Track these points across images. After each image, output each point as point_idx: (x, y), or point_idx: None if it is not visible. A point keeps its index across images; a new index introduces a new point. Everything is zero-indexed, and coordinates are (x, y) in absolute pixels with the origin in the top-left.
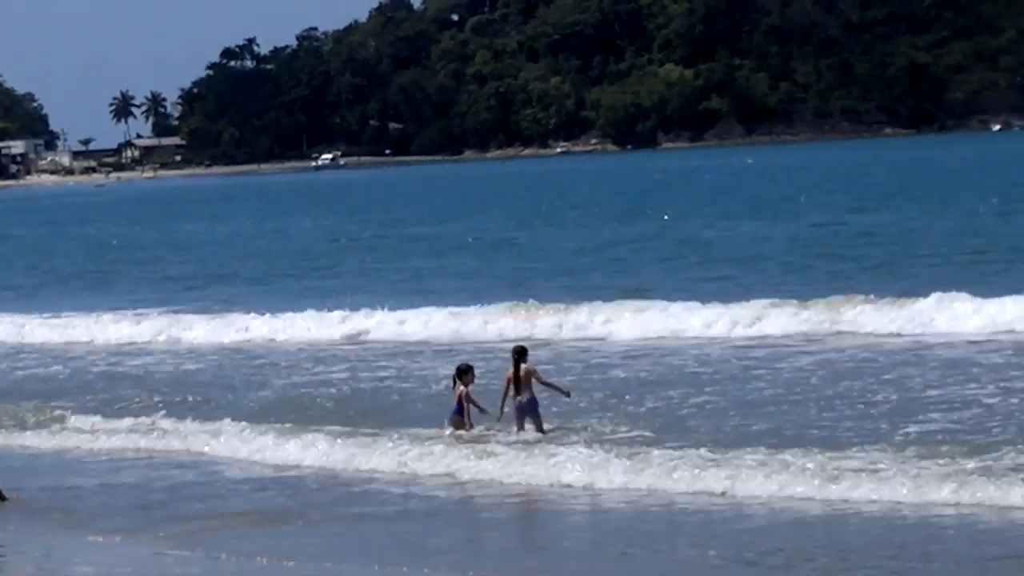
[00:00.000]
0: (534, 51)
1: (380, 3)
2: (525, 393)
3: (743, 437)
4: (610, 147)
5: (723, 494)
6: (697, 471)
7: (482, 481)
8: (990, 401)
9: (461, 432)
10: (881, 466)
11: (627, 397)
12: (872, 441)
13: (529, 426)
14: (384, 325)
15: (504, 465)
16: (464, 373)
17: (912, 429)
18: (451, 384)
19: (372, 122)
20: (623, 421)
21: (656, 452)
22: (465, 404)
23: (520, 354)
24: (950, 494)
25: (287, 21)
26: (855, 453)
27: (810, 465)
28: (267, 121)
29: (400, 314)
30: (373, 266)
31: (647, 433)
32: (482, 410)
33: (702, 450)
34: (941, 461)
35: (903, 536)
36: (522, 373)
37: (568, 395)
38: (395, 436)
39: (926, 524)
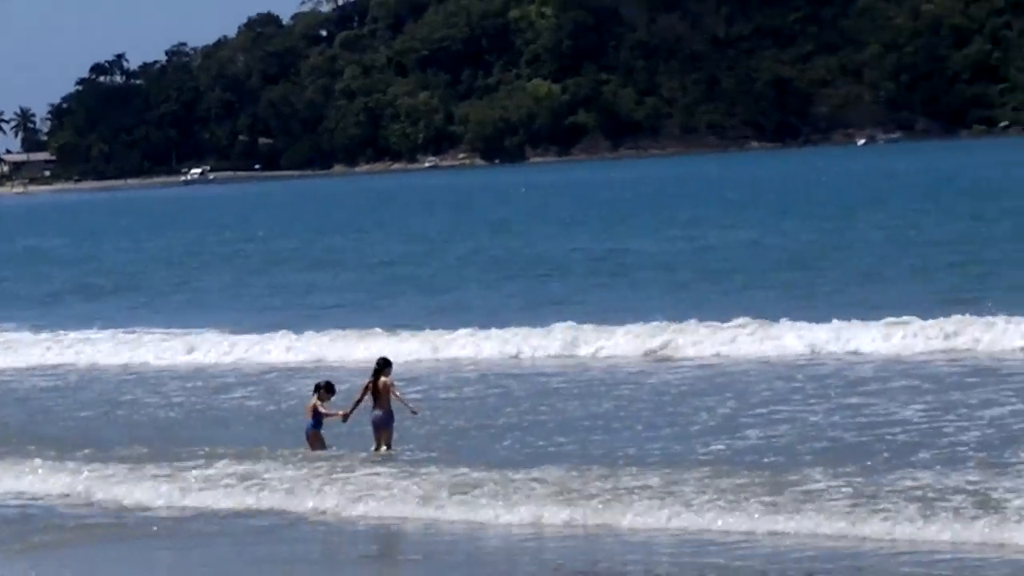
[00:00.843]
0: (403, 66)
1: (249, 19)
2: (382, 407)
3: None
4: (478, 161)
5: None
6: None
7: None
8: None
9: (319, 451)
10: None
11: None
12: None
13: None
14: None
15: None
16: (322, 388)
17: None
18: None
19: (242, 137)
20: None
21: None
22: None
23: (383, 365)
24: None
25: (156, 37)
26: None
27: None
28: (137, 136)
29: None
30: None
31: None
32: (335, 414)
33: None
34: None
35: None
36: (381, 385)
37: (415, 413)
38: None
39: None
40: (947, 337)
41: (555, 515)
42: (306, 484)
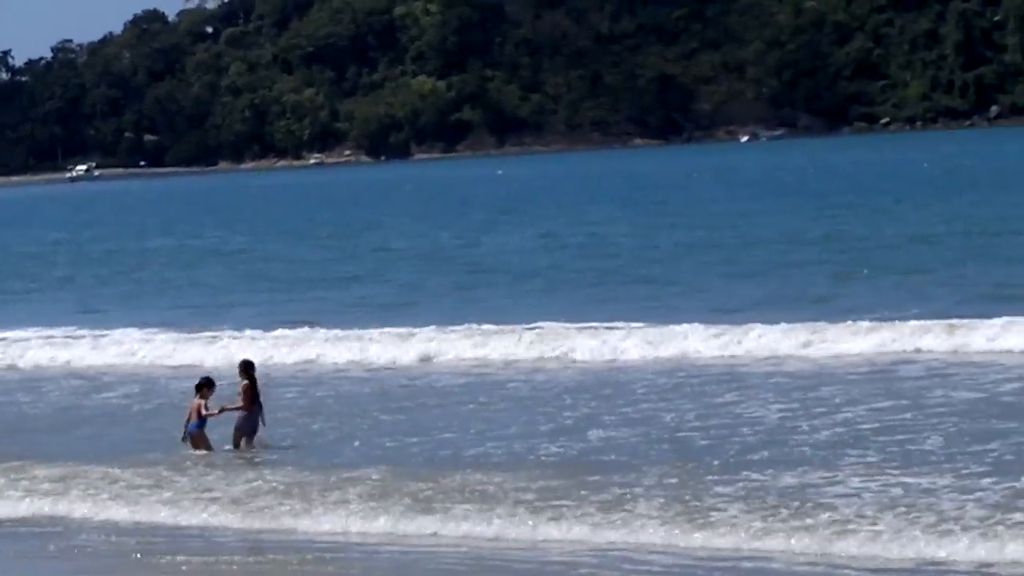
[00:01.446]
0: (288, 63)
1: (135, 16)
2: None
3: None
4: (364, 158)
5: None
6: None
7: None
8: None
9: (203, 451)
10: None
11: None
12: None
13: (243, 441)
14: None
15: None
16: (203, 387)
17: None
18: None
19: (127, 134)
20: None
21: None
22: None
23: (248, 367)
24: None
25: (42, 34)
26: None
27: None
28: (22, 133)
29: None
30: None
31: None
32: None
33: None
34: None
35: None
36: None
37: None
38: None
39: None
40: (808, 341)
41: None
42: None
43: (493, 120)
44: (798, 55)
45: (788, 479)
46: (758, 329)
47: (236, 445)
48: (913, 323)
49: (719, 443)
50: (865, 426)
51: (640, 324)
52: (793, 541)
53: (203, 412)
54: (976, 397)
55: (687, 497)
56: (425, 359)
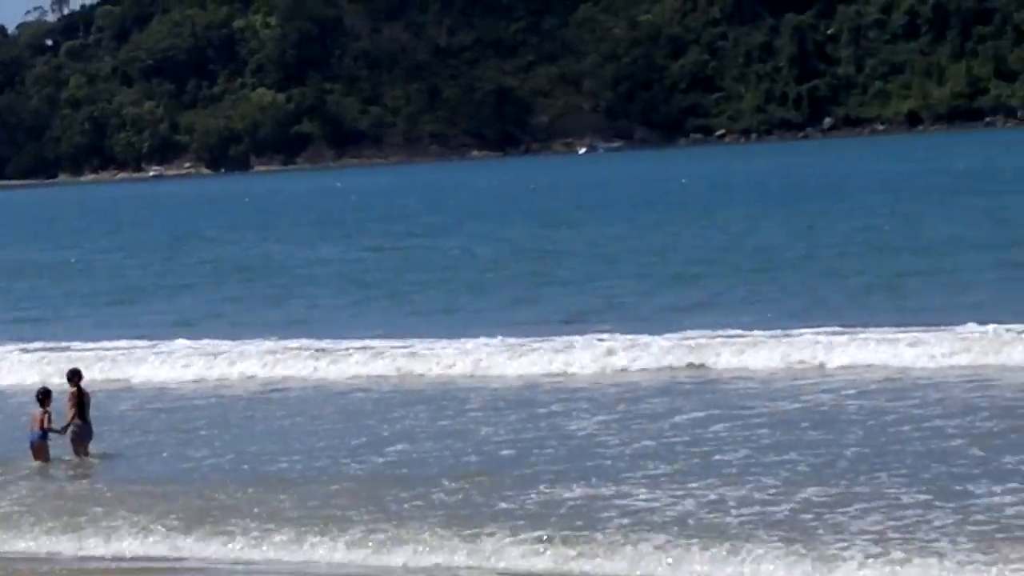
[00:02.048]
0: (128, 76)
1: None
2: (82, 417)
3: None
4: (204, 170)
5: None
6: None
7: None
8: None
9: (40, 462)
10: None
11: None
12: None
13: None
14: None
15: None
16: (45, 397)
17: None
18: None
19: None
20: None
21: None
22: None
23: (75, 375)
24: None
25: None
26: None
27: None
28: None
29: None
30: None
31: None
32: (59, 431)
33: None
34: None
35: None
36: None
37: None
38: None
39: None
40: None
41: None
42: None
43: (332, 132)
44: (634, 68)
45: (577, 492)
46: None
47: (77, 454)
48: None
49: (523, 457)
50: (676, 439)
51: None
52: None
53: (45, 425)
54: (793, 408)
55: (465, 512)
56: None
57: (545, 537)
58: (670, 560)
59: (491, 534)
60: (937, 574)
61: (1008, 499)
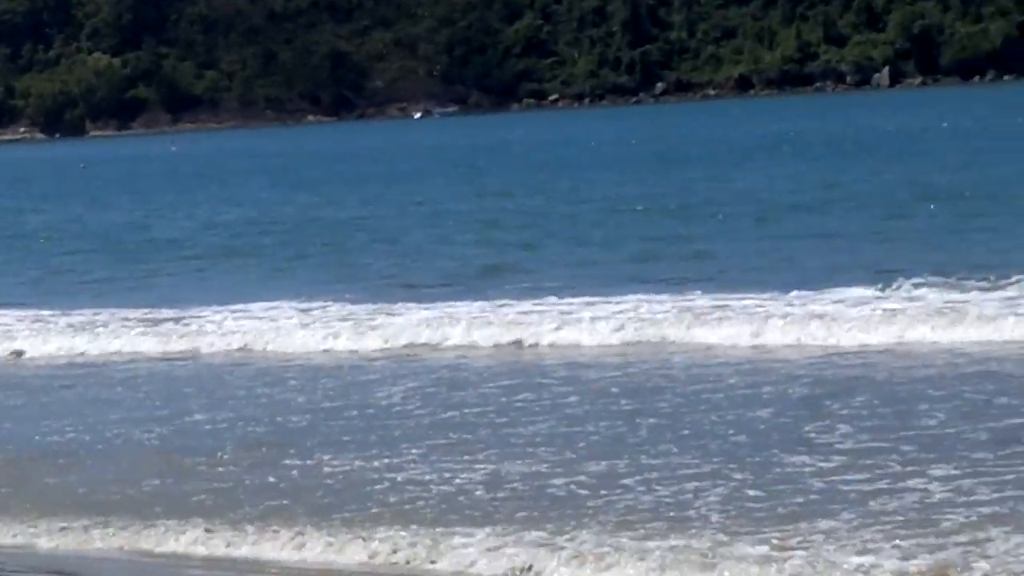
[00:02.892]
0: None
1: None
2: None
3: None
4: (39, 136)
5: None
6: None
7: None
8: None
9: None
10: None
11: None
12: None
13: None
14: None
15: None
16: None
17: None
18: None
19: None
20: None
21: None
22: None
23: None
24: None
25: None
26: None
27: None
28: None
29: None
30: None
31: None
32: None
33: None
34: None
35: None
36: None
37: None
38: None
39: None
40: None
41: None
42: None
43: (168, 97)
44: (469, 32)
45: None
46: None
47: None
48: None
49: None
50: (478, 409)
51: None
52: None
53: None
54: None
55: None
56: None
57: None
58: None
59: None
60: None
61: (806, 470)
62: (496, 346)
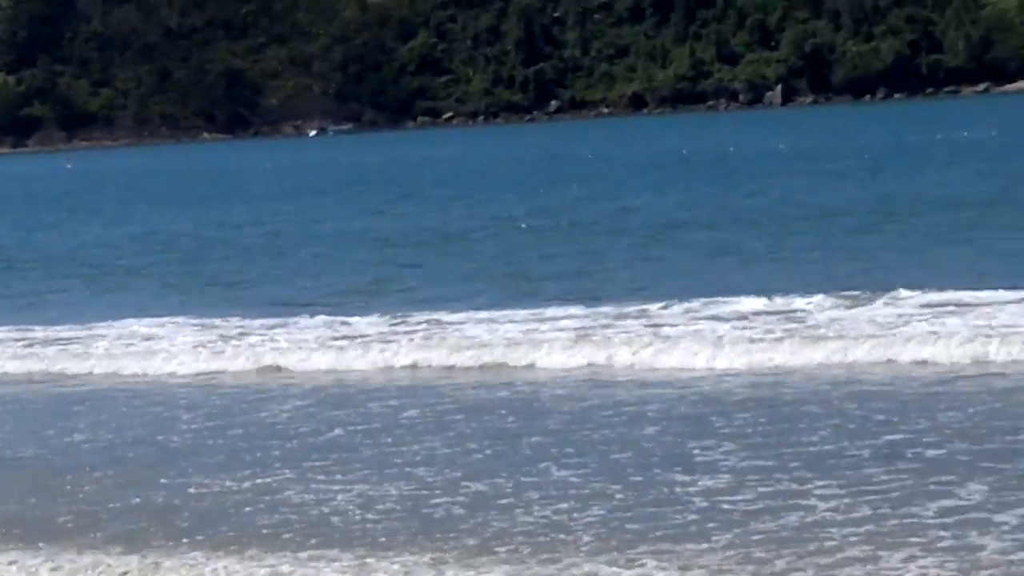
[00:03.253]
0: None
1: None
2: None
3: None
4: None
5: None
6: None
7: None
8: None
9: None
10: None
11: None
12: None
13: None
14: None
15: None
16: None
17: None
18: None
19: None
20: None
21: None
22: None
23: None
24: None
25: None
26: None
27: None
28: None
29: None
30: None
31: None
32: None
33: None
34: None
35: None
36: None
37: None
38: None
39: None
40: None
41: None
42: None
43: (63, 115)
44: (364, 50)
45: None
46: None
47: None
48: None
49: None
50: (365, 427)
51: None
52: None
53: None
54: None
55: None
56: None
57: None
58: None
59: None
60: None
61: (686, 490)
62: (377, 368)
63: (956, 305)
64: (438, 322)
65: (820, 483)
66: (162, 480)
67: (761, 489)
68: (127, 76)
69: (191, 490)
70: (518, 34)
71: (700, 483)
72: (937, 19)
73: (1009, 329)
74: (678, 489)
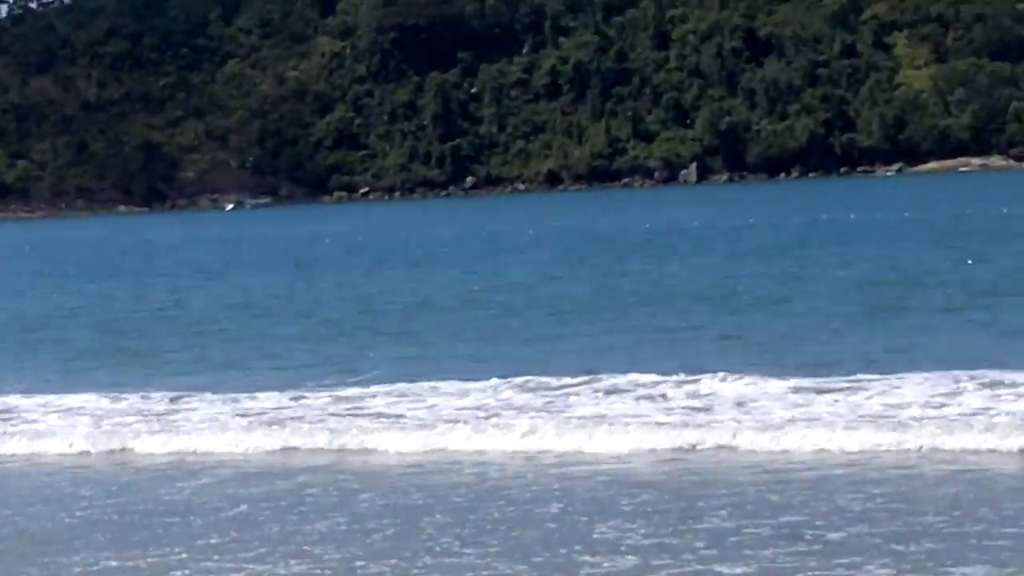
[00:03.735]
0: None
1: None
2: None
3: None
4: None
5: None
6: None
7: None
8: None
9: None
10: None
11: None
12: None
13: None
14: None
15: None
16: None
17: None
18: None
19: None
20: None
21: None
22: None
23: None
24: None
25: None
26: None
27: None
28: None
29: None
30: None
31: None
32: None
33: None
34: None
35: None
36: None
37: None
38: None
39: None
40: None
41: None
42: None
43: None
44: (281, 124)
45: None
46: None
47: None
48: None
49: None
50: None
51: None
52: None
53: None
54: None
55: None
56: None
57: None
58: None
59: None
60: None
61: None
62: (267, 452)
63: (817, 391)
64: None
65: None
66: (44, 559)
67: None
68: (44, 148)
69: (76, 569)
70: (435, 109)
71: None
72: (851, 98)
73: (894, 414)
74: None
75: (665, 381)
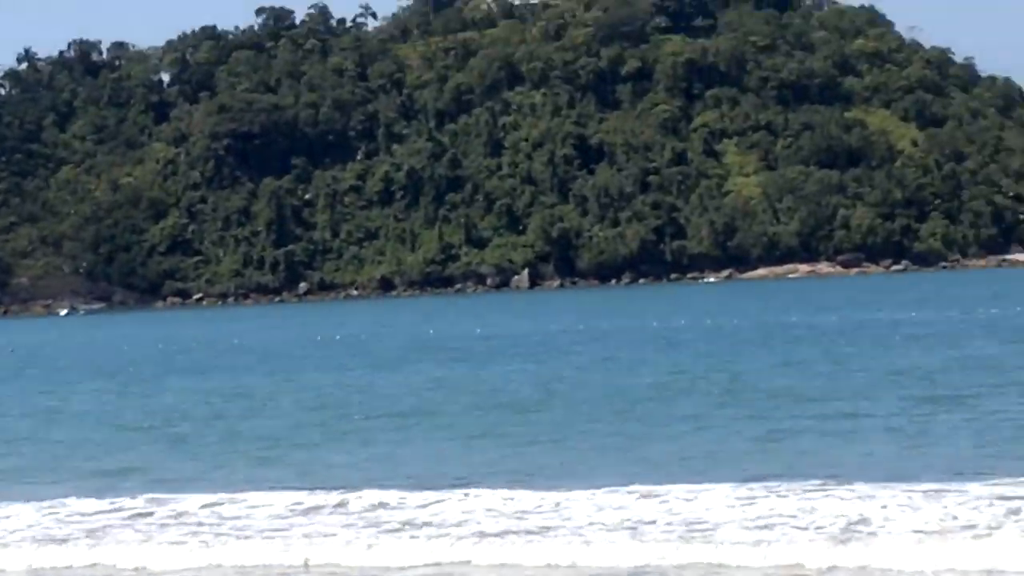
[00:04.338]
0: None
1: None
2: None
3: None
4: None
5: None
6: None
7: None
8: None
9: None
10: None
11: None
12: None
13: None
14: None
15: None
16: None
17: None
18: None
19: None
20: None
21: None
22: None
23: None
24: None
25: None
26: None
27: None
28: None
29: None
30: None
31: None
32: None
33: None
34: None
35: None
36: None
37: None
38: None
39: None
40: None
41: None
42: None
43: None
44: (115, 230)
45: None
46: None
47: None
48: None
49: None
50: None
51: None
52: None
53: None
54: None
55: None
56: None
57: None
58: None
59: None
60: None
61: None
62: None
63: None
64: None
65: None
66: None
67: None
68: None
69: None
70: (269, 216)
71: None
72: (681, 205)
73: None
74: None
75: None
